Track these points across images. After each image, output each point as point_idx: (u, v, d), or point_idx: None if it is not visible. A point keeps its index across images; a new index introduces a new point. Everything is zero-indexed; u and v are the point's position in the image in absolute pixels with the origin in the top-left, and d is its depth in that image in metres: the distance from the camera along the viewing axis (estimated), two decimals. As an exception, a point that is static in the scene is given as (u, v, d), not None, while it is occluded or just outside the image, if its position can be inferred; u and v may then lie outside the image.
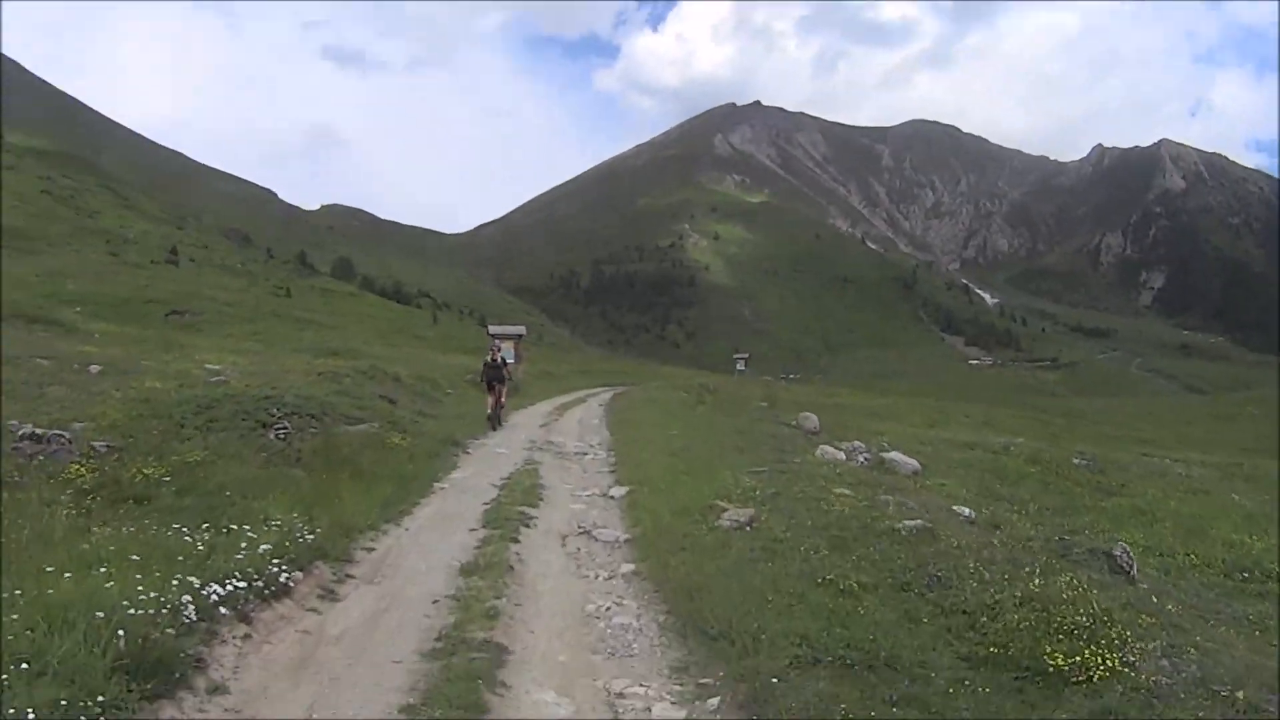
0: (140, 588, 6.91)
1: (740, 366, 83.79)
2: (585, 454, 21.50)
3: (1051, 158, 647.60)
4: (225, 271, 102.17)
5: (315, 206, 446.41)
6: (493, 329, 49.23)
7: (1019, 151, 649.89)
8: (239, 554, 8.57)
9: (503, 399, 26.73)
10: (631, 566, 11.00)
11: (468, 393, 33.64)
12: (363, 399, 22.88)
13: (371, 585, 9.71)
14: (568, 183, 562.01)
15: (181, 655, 6.44)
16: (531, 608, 9.19)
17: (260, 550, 8.76)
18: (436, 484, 15.91)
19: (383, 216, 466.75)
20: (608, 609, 9.42)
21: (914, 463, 20.32)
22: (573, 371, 70.39)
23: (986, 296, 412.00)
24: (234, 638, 7.38)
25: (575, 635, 8.60)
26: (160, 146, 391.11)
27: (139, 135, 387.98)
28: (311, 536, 10.08)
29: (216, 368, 25.51)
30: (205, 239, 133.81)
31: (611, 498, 15.69)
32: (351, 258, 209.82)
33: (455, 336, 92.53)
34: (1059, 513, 17.69)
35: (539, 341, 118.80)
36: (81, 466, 12.32)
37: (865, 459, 20.23)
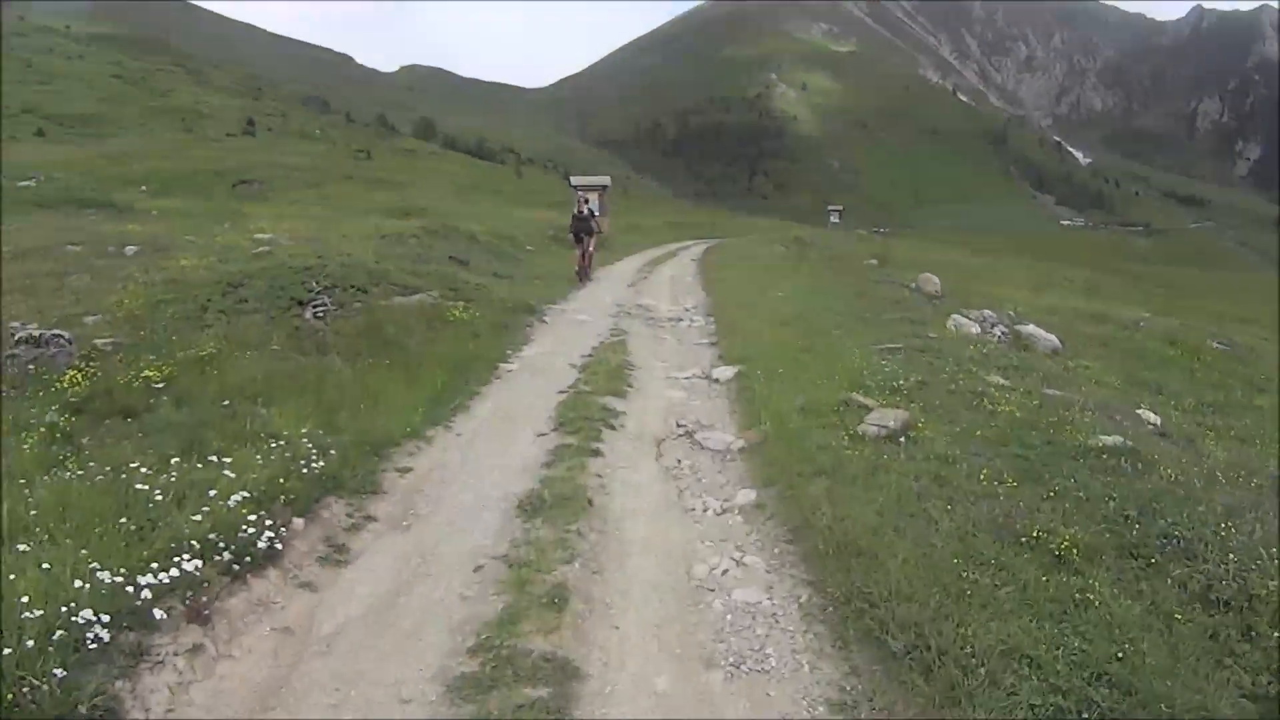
0: (29, 597, 4.55)
1: (834, 219, 79.71)
2: (680, 320, 19.00)
3: (1148, 15, 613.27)
4: (304, 139, 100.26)
5: (394, 69, 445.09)
6: (575, 180, 46.52)
7: (1115, 7, 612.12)
8: (203, 508, 6.10)
9: (590, 252, 25.26)
10: (752, 495, 8.16)
11: (549, 249, 31.87)
12: (428, 262, 20.89)
13: (397, 534, 7.18)
14: (650, 33, 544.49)
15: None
16: (616, 575, 6.50)
17: (231, 503, 6.27)
18: (504, 365, 13.34)
19: (463, 75, 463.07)
20: (724, 573, 6.66)
21: (1053, 339, 17.70)
22: (660, 224, 67.38)
23: (1079, 155, 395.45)
24: (175, 655, 4.92)
25: (680, 630, 5.84)
26: (230, 20, 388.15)
27: (208, 11, 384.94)
28: (322, 463, 7.61)
29: (266, 236, 23.31)
30: (283, 108, 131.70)
31: (716, 380, 12.96)
32: (433, 118, 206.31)
33: (539, 191, 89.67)
34: (1219, 411, 14.61)
35: (625, 194, 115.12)
36: (79, 372, 10.08)
37: (1002, 333, 17.54)
